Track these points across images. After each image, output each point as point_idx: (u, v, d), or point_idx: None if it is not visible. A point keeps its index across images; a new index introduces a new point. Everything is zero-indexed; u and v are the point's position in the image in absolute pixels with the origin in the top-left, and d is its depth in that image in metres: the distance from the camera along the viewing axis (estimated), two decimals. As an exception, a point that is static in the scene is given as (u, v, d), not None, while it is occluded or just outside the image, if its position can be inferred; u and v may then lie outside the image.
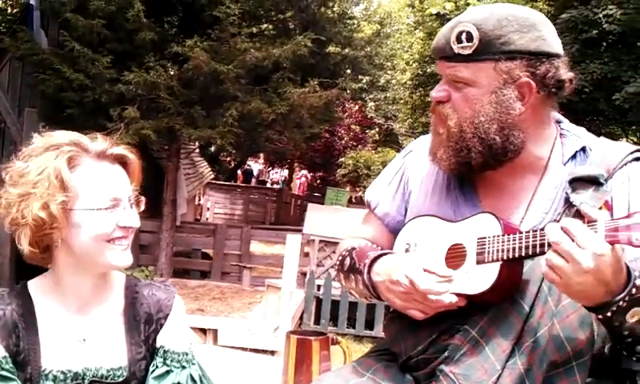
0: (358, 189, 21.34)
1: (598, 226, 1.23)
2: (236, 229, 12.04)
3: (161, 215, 10.50)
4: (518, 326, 1.38)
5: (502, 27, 1.44)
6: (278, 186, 25.58)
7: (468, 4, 9.81)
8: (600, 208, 1.36)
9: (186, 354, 1.52)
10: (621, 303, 1.25)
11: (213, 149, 18.93)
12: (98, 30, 9.20)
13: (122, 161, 1.47)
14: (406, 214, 1.68)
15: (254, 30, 11.07)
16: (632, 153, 1.48)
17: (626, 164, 1.46)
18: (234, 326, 6.82)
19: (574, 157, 1.52)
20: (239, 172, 26.25)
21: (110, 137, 1.48)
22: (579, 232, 1.22)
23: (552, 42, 1.48)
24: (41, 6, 9.61)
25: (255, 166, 29.27)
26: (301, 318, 7.82)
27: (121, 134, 1.58)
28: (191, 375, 1.50)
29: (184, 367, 1.50)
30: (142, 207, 1.48)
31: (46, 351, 1.42)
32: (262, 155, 26.49)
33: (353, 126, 24.87)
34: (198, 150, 15.77)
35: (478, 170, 1.52)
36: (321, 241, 9.17)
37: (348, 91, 19.79)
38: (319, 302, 7.75)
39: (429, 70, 13.16)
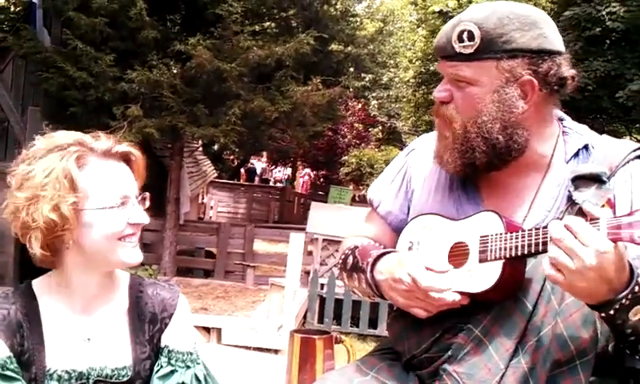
0: (361, 187, 21.33)
1: (600, 223, 1.23)
2: (239, 227, 12.07)
3: (164, 214, 10.51)
4: (521, 325, 1.38)
5: (503, 26, 1.43)
6: (282, 185, 25.55)
7: (470, 1, 9.79)
8: (602, 206, 1.36)
9: (191, 354, 1.52)
10: (624, 301, 1.25)
11: (216, 147, 18.98)
12: (100, 28, 9.22)
13: (127, 158, 1.47)
14: (408, 213, 1.67)
15: (257, 28, 11.08)
16: (635, 151, 1.48)
17: (628, 162, 1.46)
18: (238, 325, 6.83)
19: (576, 155, 1.52)
20: (242, 170, 26.26)
21: (113, 135, 1.48)
22: (582, 229, 1.22)
23: (554, 39, 1.47)
24: (44, 4, 9.60)
25: (258, 164, 29.27)
26: (304, 316, 7.84)
27: (124, 133, 1.58)
28: (196, 375, 1.50)
29: (188, 367, 1.50)
30: (147, 203, 1.48)
31: (51, 351, 1.42)
32: (265, 153, 26.51)
33: (356, 124, 24.82)
34: (201, 149, 15.80)
35: (482, 171, 1.52)
36: (324, 239, 9.18)
37: (351, 89, 19.77)
38: (323, 300, 7.76)
39: (432, 68, 13.13)
